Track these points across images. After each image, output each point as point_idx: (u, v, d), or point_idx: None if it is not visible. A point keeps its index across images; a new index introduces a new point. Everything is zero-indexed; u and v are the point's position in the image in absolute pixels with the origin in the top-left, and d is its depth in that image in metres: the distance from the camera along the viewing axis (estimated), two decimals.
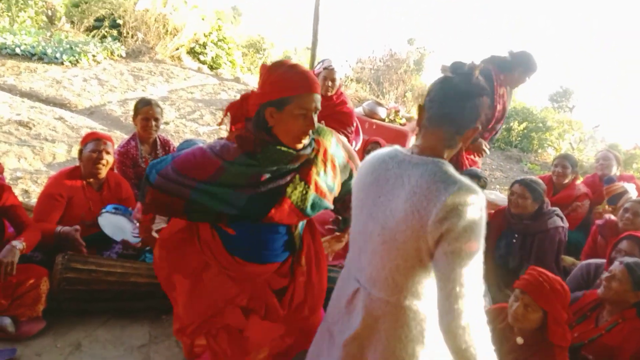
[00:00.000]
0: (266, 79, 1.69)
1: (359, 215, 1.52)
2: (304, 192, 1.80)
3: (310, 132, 1.72)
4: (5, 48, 7.98)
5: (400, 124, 5.47)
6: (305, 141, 1.74)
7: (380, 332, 1.46)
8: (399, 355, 1.44)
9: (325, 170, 1.86)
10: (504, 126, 9.57)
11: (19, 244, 2.51)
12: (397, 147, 1.52)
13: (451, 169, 1.36)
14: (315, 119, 1.72)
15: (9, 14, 9.77)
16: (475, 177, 3.36)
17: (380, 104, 5.76)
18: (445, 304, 1.26)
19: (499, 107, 3.68)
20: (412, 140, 5.33)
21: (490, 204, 4.03)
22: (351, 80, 11.25)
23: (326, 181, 1.87)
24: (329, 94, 3.97)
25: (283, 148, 1.71)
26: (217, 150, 1.76)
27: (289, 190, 1.77)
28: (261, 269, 1.97)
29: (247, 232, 1.88)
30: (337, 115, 4.01)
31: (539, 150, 9.77)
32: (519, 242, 3.33)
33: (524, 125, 9.82)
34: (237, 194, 1.73)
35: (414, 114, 7.71)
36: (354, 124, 4.20)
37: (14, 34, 8.45)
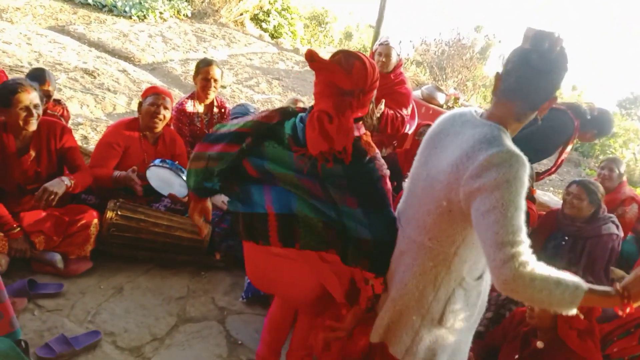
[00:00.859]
0: None
1: (417, 160, 1.61)
2: None
3: None
4: None
5: None
6: None
7: (401, 266, 1.57)
8: (409, 290, 1.53)
9: None
10: None
11: (67, 180, 2.61)
12: (473, 108, 1.55)
13: (504, 135, 1.38)
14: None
15: None
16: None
17: (440, 89, 5.60)
18: (495, 260, 1.25)
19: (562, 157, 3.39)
20: None
21: (541, 205, 3.90)
22: (411, 62, 11.00)
23: None
24: (384, 71, 3.86)
25: None
26: None
27: None
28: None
29: None
30: (394, 95, 3.90)
31: (601, 157, 9.32)
32: (569, 245, 3.20)
33: None
34: None
35: (474, 104, 7.49)
36: (411, 106, 4.09)
37: None
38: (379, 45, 3.83)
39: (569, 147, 3.28)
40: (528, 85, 1.39)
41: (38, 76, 3.10)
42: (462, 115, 1.52)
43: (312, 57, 1.57)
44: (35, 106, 2.57)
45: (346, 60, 1.60)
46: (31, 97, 2.54)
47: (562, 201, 3.40)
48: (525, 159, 1.32)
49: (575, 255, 3.16)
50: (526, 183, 1.30)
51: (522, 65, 1.39)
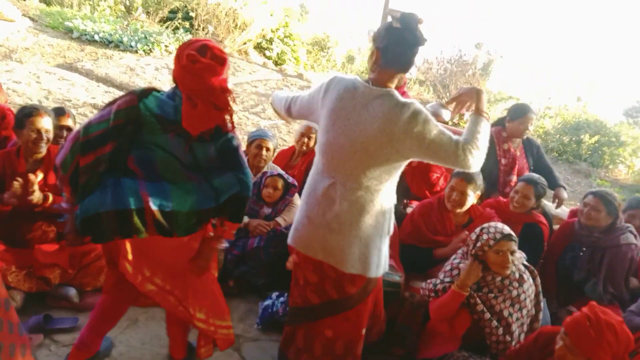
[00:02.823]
0: None
1: (329, 132, 2.00)
2: None
3: None
4: (86, 34, 8.42)
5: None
6: None
7: (354, 212, 2.01)
8: (368, 223, 2.03)
9: None
10: (573, 138, 9.21)
11: (40, 195, 2.61)
12: (355, 77, 2.01)
13: (397, 94, 1.92)
14: None
15: (90, 2, 10.31)
16: (532, 183, 3.18)
17: (444, 107, 5.61)
18: (458, 158, 1.90)
19: (503, 161, 3.83)
20: None
21: (555, 218, 3.85)
22: (414, 82, 11.07)
23: None
24: None
25: None
26: None
27: None
28: None
29: None
30: None
31: (610, 166, 9.26)
32: (587, 255, 3.16)
33: (595, 138, 9.34)
34: None
35: None
36: None
37: (94, 22, 8.91)
38: None
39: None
40: (405, 56, 1.92)
41: (60, 109, 3.21)
42: (354, 88, 1.96)
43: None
44: (47, 131, 2.70)
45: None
46: (43, 121, 2.69)
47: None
48: (414, 101, 1.92)
49: (594, 266, 3.12)
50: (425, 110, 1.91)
51: (397, 40, 1.88)
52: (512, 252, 2.44)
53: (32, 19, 8.81)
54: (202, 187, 1.95)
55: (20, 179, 2.54)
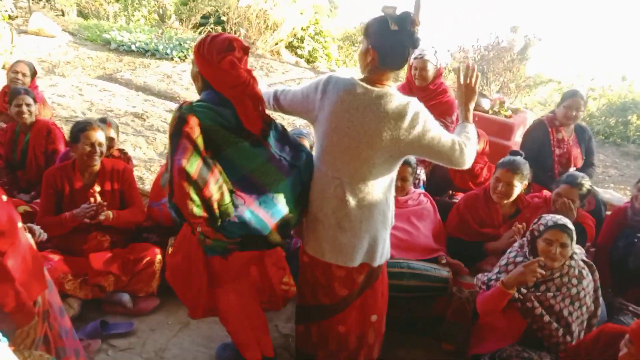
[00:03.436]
0: None
1: (332, 134, 2.02)
2: None
3: None
4: (123, 45, 8.66)
5: (506, 116, 5.17)
6: None
7: (361, 208, 2.07)
8: (376, 216, 2.10)
9: None
10: (619, 119, 8.83)
11: (109, 212, 2.76)
12: (352, 77, 2.03)
13: (399, 94, 1.97)
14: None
15: (125, 13, 10.58)
16: (576, 186, 2.97)
17: (483, 95, 5.48)
18: (455, 155, 2.02)
19: (557, 152, 3.76)
20: (518, 134, 5.03)
21: (607, 204, 3.71)
22: (449, 71, 10.87)
23: None
24: (423, 84, 3.82)
25: None
26: None
27: None
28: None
29: None
30: (436, 105, 3.86)
31: None
32: None
33: None
34: None
35: (520, 105, 7.30)
36: (455, 114, 4.03)
37: (130, 32, 9.14)
38: (414, 59, 3.80)
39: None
40: (401, 57, 1.96)
41: (102, 120, 3.26)
42: (354, 88, 1.97)
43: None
44: (100, 144, 2.79)
45: None
46: (97, 135, 2.78)
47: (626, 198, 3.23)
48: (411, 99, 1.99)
49: None
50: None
51: (395, 44, 1.91)
52: (564, 245, 2.33)
53: (71, 34, 9.12)
54: (294, 174, 2.06)
55: (96, 196, 2.71)
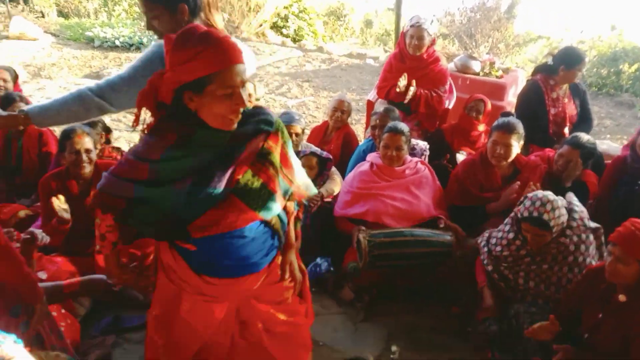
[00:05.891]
0: (173, 57, 1.40)
1: None
2: (259, 188, 1.56)
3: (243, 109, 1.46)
4: (107, 41, 8.57)
5: (497, 77, 5.16)
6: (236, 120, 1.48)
7: None
8: None
9: (282, 171, 1.63)
10: (611, 69, 8.79)
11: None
12: None
13: None
14: (245, 95, 1.44)
15: (106, 9, 10.46)
16: (578, 147, 2.94)
17: (473, 58, 5.46)
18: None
19: (553, 111, 3.68)
20: (511, 93, 5.01)
21: (604, 156, 3.71)
22: (437, 36, 10.77)
23: (282, 183, 1.63)
24: (418, 53, 3.77)
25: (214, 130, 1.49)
26: (140, 152, 1.53)
27: (239, 184, 1.53)
28: (239, 285, 1.67)
29: (206, 243, 1.58)
30: (429, 74, 3.83)
31: None
32: None
33: (635, 66, 8.87)
34: (176, 190, 1.48)
35: (511, 64, 7.26)
36: (448, 83, 4.01)
37: (112, 28, 9.04)
38: (410, 27, 3.72)
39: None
40: None
41: (95, 122, 3.28)
42: None
43: None
44: (87, 150, 2.76)
45: None
46: (82, 141, 2.75)
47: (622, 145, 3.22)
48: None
49: None
50: None
51: None
52: (540, 236, 2.34)
53: (53, 35, 9.02)
54: None
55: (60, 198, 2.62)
